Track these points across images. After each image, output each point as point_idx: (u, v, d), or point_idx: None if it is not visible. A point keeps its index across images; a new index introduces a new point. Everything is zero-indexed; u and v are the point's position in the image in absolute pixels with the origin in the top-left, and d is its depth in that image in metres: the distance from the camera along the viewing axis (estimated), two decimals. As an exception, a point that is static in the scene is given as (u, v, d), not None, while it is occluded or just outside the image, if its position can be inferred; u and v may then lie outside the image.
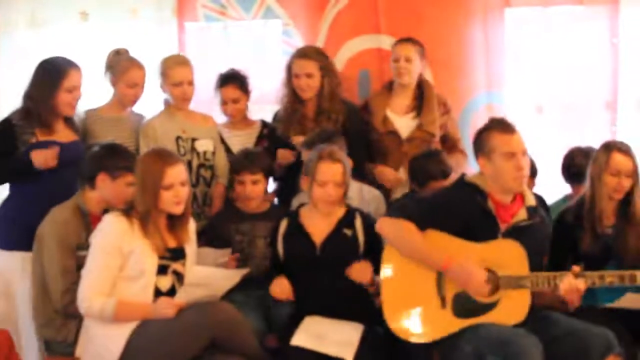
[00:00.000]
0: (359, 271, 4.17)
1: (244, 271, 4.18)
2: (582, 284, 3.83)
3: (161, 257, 3.98)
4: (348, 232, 4.28)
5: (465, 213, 3.94)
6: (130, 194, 4.09)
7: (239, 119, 5.33)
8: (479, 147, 4.04)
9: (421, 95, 5.28)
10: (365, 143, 5.14)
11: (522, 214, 4.00)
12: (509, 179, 3.93)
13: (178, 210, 4.00)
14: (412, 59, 5.21)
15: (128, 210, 3.98)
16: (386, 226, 4.04)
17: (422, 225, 3.95)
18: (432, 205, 4.06)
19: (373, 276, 4.13)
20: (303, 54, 5.26)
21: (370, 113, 5.27)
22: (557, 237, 4.32)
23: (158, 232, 3.98)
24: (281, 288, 4.21)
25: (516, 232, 3.94)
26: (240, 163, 4.79)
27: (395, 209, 4.21)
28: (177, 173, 3.97)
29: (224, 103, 5.30)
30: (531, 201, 4.05)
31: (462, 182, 4.10)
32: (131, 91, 5.03)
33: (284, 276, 4.24)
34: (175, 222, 4.07)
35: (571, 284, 3.82)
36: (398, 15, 5.56)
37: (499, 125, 4.03)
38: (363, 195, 4.85)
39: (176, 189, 3.96)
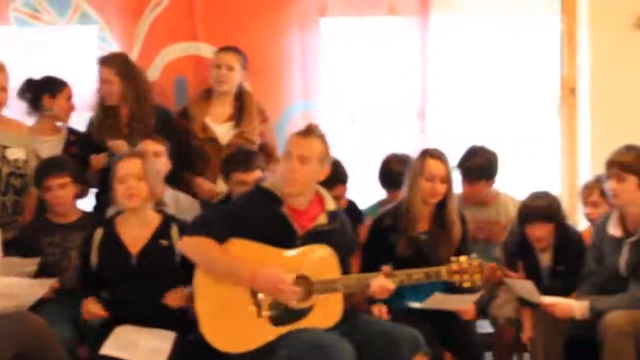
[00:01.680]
0: (174, 299, 4.11)
1: (50, 281, 4.09)
2: (391, 284, 3.97)
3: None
4: (164, 242, 4.22)
5: (261, 219, 3.95)
6: None
7: (45, 125, 5.25)
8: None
9: (241, 104, 5.31)
10: (181, 149, 5.10)
11: (322, 219, 4.04)
12: (282, 179, 4.00)
13: None
14: (234, 68, 5.25)
15: None
16: (187, 246, 4.01)
17: (223, 237, 3.93)
18: (229, 215, 4.05)
19: (188, 298, 4.07)
20: (102, 60, 5.22)
21: (189, 119, 5.27)
22: (373, 240, 4.47)
23: None
24: (90, 311, 4.10)
25: (315, 237, 3.99)
26: (44, 169, 4.68)
27: (195, 225, 4.14)
28: None
29: None
30: (331, 206, 4.11)
31: (259, 189, 4.12)
32: None
33: (93, 298, 4.14)
34: None
35: (381, 283, 3.95)
36: (215, 23, 5.58)
37: (302, 130, 4.08)
38: (179, 203, 4.84)
39: None
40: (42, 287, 4.04)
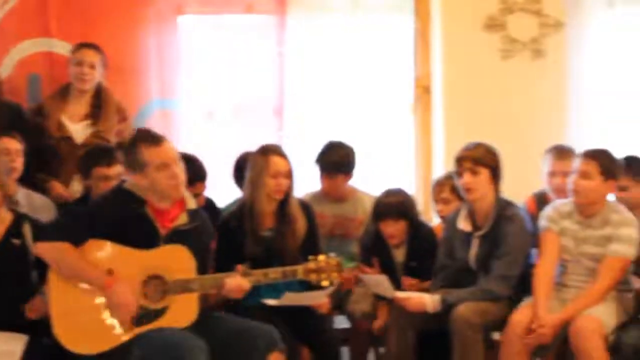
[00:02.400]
0: (33, 311, 4.06)
1: None
2: (246, 283, 3.98)
3: None
4: (16, 241, 4.15)
5: (122, 220, 3.91)
6: None
7: None
8: (131, 164, 3.98)
9: (99, 102, 5.23)
10: (32, 148, 4.92)
11: (182, 218, 4.03)
12: (167, 189, 3.95)
13: None
14: (96, 66, 5.18)
15: None
16: (42, 251, 3.94)
17: (80, 240, 3.88)
18: (88, 216, 4.00)
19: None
20: None
21: (44, 117, 5.16)
22: (222, 241, 4.46)
23: None
24: None
25: (177, 237, 3.97)
26: None
27: (50, 229, 4.06)
28: None
29: None
30: (191, 204, 4.11)
31: (120, 189, 4.07)
32: None
33: None
34: None
35: (237, 283, 3.96)
36: (70, 19, 5.51)
37: (147, 139, 4.00)
38: (32, 202, 4.73)
39: None
40: None
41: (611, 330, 4.20)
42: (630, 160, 4.81)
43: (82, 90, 5.20)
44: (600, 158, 4.36)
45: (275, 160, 4.41)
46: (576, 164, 4.40)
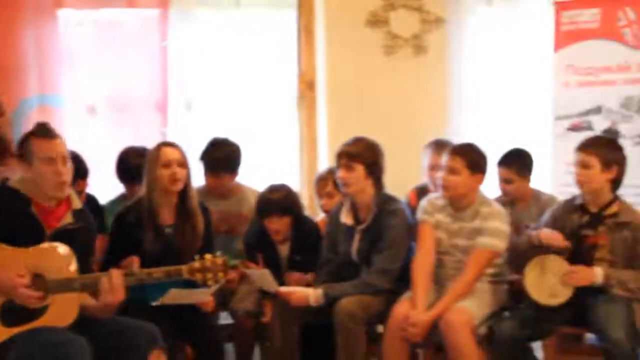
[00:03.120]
0: None
1: None
2: (122, 281, 3.83)
3: None
4: None
5: (7, 219, 3.83)
6: None
7: None
8: (22, 154, 3.94)
9: None
10: None
11: (68, 218, 3.96)
12: (50, 185, 3.89)
13: None
14: None
15: None
16: None
17: None
18: None
19: None
20: None
21: None
22: (117, 236, 4.42)
23: None
24: None
25: (63, 236, 3.90)
26: None
27: None
28: None
29: None
30: (77, 204, 4.04)
31: (4, 188, 4.00)
32: None
33: None
34: None
35: (114, 281, 3.81)
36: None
37: (39, 131, 3.95)
38: None
39: None
40: None
41: (480, 320, 4.31)
42: (514, 154, 4.98)
43: None
44: (466, 153, 4.47)
45: (167, 150, 4.39)
46: (444, 160, 4.51)
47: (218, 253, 4.07)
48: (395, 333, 4.33)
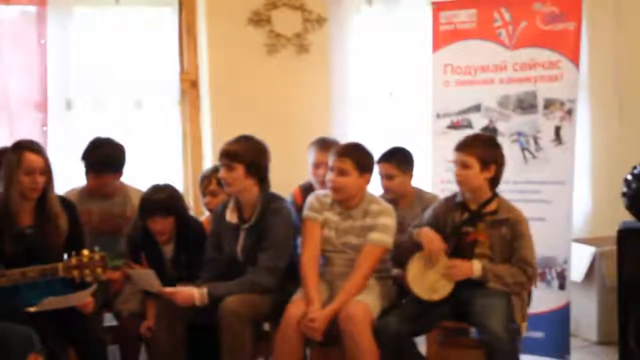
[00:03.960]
0: None
1: None
2: None
3: None
4: None
5: None
6: None
7: None
8: None
9: None
10: None
11: None
12: None
13: None
14: None
15: None
16: None
17: None
18: None
19: None
20: None
21: None
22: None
23: None
24: None
25: None
26: None
27: None
28: None
29: None
30: None
31: None
32: None
33: None
34: None
35: None
36: None
37: None
38: None
39: None
40: None
41: (376, 315, 4.38)
42: (394, 150, 5.06)
43: None
44: (354, 154, 4.54)
45: (29, 156, 4.24)
46: (332, 162, 4.54)
47: (96, 248, 4.02)
48: (289, 334, 4.35)
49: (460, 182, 4.49)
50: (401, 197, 5.04)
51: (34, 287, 4.07)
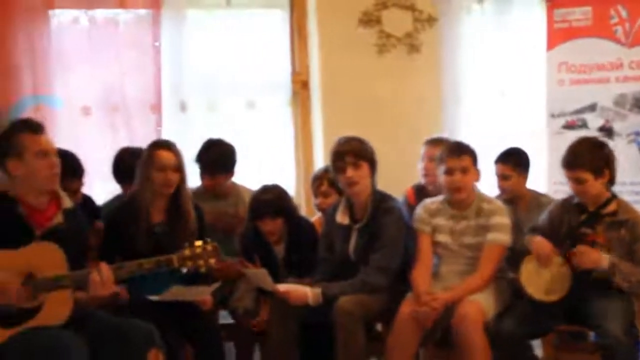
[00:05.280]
0: None
1: None
2: (111, 275, 3.80)
3: None
4: None
5: None
6: None
7: None
8: (7, 151, 3.90)
9: None
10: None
11: (58, 218, 3.96)
12: (43, 178, 3.89)
13: None
14: None
15: None
16: None
17: None
18: None
19: None
20: None
21: None
22: (110, 235, 4.43)
23: None
24: None
25: (53, 235, 3.89)
26: None
27: None
28: None
29: None
30: (67, 204, 4.04)
31: None
32: None
33: None
34: None
35: (104, 274, 3.80)
36: None
37: (28, 127, 3.95)
38: None
39: None
40: None
41: (491, 316, 4.33)
42: (511, 151, 5.03)
43: None
44: (470, 151, 4.53)
45: (162, 153, 4.40)
46: (448, 162, 4.50)
47: (208, 240, 4.03)
48: (403, 331, 4.35)
49: (579, 195, 4.40)
50: (519, 199, 5.00)
51: (158, 283, 4.18)
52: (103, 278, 3.79)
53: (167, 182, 4.38)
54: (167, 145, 4.49)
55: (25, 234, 3.87)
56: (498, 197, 4.85)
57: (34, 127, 3.94)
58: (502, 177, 4.98)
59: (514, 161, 4.98)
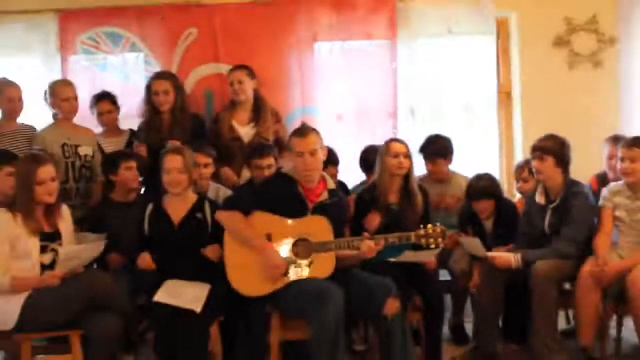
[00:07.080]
0: (212, 252, 4.17)
1: (101, 242, 4.14)
2: (374, 244, 4.02)
3: (42, 240, 3.94)
4: (199, 215, 4.27)
5: (281, 197, 4.06)
6: (10, 183, 4.08)
7: (112, 128, 5.35)
8: (289, 148, 4.20)
9: (257, 108, 5.29)
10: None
11: (324, 195, 4.15)
12: (300, 173, 4.10)
13: (51, 200, 3.98)
14: (244, 81, 5.24)
15: (11, 205, 3.94)
16: (221, 217, 4.12)
17: (248, 210, 4.04)
18: (254, 193, 4.19)
19: (221, 254, 4.13)
20: (160, 75, 5.27)
21: (219, 124, 5.26)
22: (358, 212, 4.52)
23: (35, 221, 3.93)
24: (144, 262, 4.15)
25: (321, 209, 4.10)
26: (116, 157, 4.82)
27: (228, 200, 4.31)
28: (47, 172, 3.96)
29: (100, 115, 5.31)
30: (332, 185, 4.22)
31: (280, 174, 4.27)
32: (11, 105, 4.96)
33: (147, 251, 4.16)
34: (50, 210, 4.04)
35: (369, 245, 4.01)
36: (233, 48, 5.67)
37: (298, 131, 4.19)
38: (219, 193, 4.85)
39: (47, 184, 3.95)
40: (97, 249, 4.12)
41: None
42: None
43: (240, 101, 5.26)
44: None
45: (395, 145, 4.49)
46: (623, 153, 4.39)
47: (437, 224, 4.14)
48: (584, 286, 4.28)
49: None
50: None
51: (394, 250, 4.26)
52: (370, 247, 3.98)
53: (400, 166, 4.43)
54: (399, 140, 4.58)
55: (301, 208, 4.09)
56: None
57: (300, 132, 4.14)
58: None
59: None
